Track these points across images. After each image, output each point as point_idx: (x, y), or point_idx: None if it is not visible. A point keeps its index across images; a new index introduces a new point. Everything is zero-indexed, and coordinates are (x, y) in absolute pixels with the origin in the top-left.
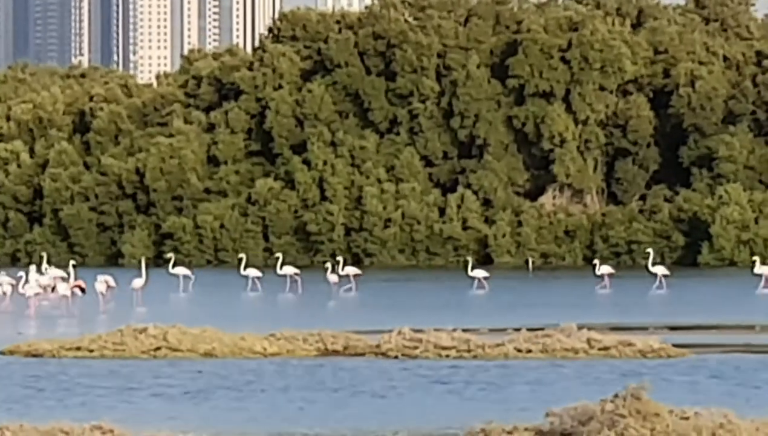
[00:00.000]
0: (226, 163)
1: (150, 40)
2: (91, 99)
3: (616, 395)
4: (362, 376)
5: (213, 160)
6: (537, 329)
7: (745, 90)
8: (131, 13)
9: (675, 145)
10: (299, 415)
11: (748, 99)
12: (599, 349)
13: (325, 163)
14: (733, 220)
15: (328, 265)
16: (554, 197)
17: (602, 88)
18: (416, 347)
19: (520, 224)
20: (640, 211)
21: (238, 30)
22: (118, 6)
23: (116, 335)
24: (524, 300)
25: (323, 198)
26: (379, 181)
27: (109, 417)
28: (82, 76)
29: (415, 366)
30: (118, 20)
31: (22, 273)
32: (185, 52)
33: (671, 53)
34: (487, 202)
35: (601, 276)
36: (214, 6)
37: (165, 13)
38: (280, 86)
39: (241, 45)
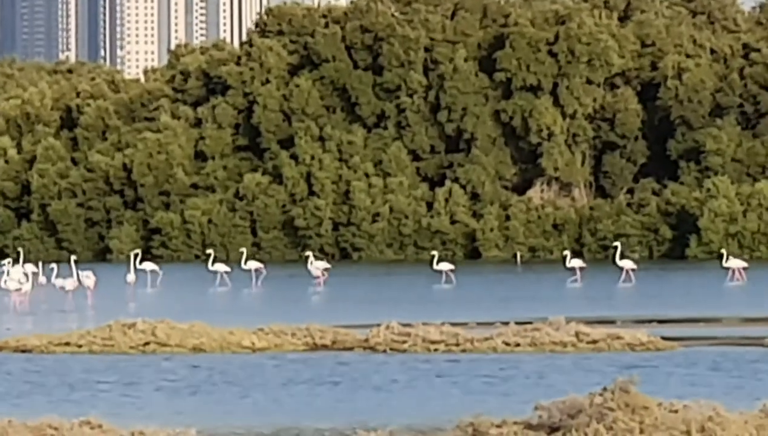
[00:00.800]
0: (213, 158)
1: (137, 36)
2: (78, 95)
3: (604, 389)
4: (360, 370)
5: (200, 156)
6: (526, 322)
7: (732, 83)
8: (118, 8)
9: (663, 139)
10: (303, 409)
11: (735, 92)
12: (588, 342)
13: (312, 157)
14: (721, 213)
15: (309, 254)
16: (542, 191)
17: (590, 82)
18: (405, 341)
19: (508, 217)
20: (628, 204)
21: (225, 25)
22: (104, 1)
23: (105, 330)
24: (513, 294)
25: (311, 193)
26: (367, 175)
27: (112, 412)
28: (69, 71)
29: (411, 359)
30: (104, 15)
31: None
32: (172, 47)
33: (658, 46)
34: (474, 196)
35: (573, 269)
36: (201, 1)
37: (152, 8)
38: (268, 81)
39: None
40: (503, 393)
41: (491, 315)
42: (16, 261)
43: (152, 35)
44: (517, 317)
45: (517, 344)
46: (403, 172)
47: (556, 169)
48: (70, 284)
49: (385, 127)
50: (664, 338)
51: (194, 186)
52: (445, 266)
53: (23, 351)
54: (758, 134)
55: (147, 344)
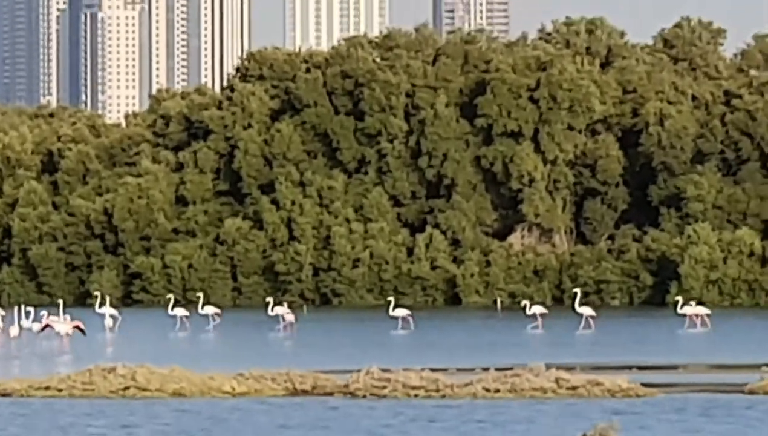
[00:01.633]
0: (194, 203)
1: (118, 80)
2: (59, 139)
3: (584, 435)
4: (350, 415)
5: (181, 200)
6: (505, 368)
7: (713, 129)
8: (99, 53)
9: (644, 185)
10: None
11: (716, 138)
12: (567, 388)
13: (293, 203)
14: (702, 259)
15: (270, 300)
16: (523, 237)
17: (571, 128)
18: (385, 387)
19: (488, 263)
20: (609, 250)
21: (206, 69)
22: (86, 46)
23: (85, 374)
24: (493, 339)
25: (291, 238)
26: (348, 221)
27: None
28: (51, 115)
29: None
30: (86, 60)
31: None
32: (153, 91)
33: (640, 93)
34: (455, 242)
35: (533, 316)
36: (183, 45)
37: (133, 52)
38: (249, 126)
39: (209, 84)
40: None
41: (471, 361)
42: None
43: (133, 80)
44: (497, 363)
45: (497, 390)
46: (384, 217)
47: (536, 215)
48: (64, 328)
49: (366, 173)
50: (645, 385)
51: (175, 231)
52: (401, 312)
53: (3, 395)
54: (739, 181)
55: (127, 388)
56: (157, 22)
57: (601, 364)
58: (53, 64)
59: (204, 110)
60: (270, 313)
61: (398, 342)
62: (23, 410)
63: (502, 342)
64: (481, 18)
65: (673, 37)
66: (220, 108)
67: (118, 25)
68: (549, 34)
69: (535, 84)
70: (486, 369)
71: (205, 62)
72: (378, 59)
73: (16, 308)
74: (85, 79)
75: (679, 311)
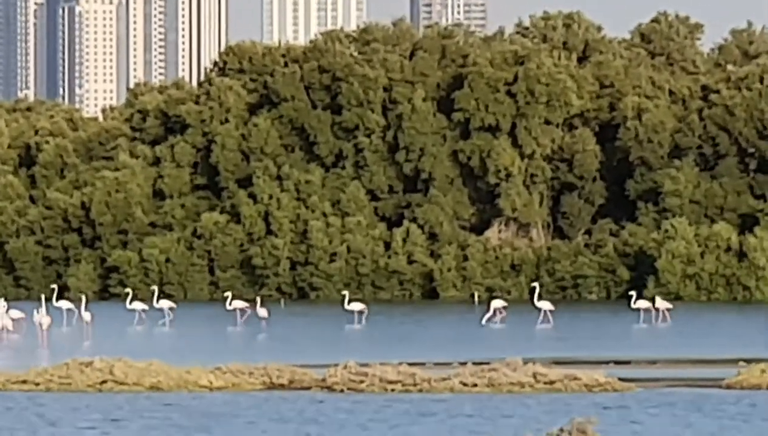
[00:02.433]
0: (171, 197)
1: (96, 74)
2: (36, 133)
3: (561, 430)
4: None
5: (159, 194)
6: (483, 362)
7: (691, 124)
8: (77, 46)
9: (621, 179)
10: None
11: (694, 133)
12: (545, 383)
13: (270, 197)
14: (679, 254)
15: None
16: (500, 231)
17: (548, 122)
18: (362, 381)
19: (465, 258)
20: (586, 245)
21: (183, 63)
22: (63, 40)
23: (62, 368)
24: (470, 333)
25: (269, 232)
26: (325, 215)
27: None
28: (28, 109)
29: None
30: (63, 54)
31: None
32: (131, 85)
33: (617, 87)
34: (432, 237)
35: (491, 310)
36: (160, 39)
37: (111, 46)
38: (227, 120)
39: (187, 78)
40: (457, 433)
41: (449, 355)
42: None
43: (111, 74)
44: (474, 357)
45: (475, 385)
46: (361, 211)
47: (514, 209)
48: (46, 321)
49: (343, 167)
50: (622, 380)
51: (152, 225)
52: (356, 306)
53: None
54: (716, 176)
55: (104, 382)
56: (135, 16)
57: (578, 358)
58: (30, 58)
59: (181, 105)
60: (228, 307)
61: (374, 336)
62: (8, 403)
63: (480, 336)
64: (458, 12)
65: (650, 32)
66: (197, 102)
67: (95, 19)
68: (526, 28)
69: (512, 78)
70: (463, 363)
71: (183, 56)
72: (355, 53)
73: None
74: (63, 73)
75: (632, 305)
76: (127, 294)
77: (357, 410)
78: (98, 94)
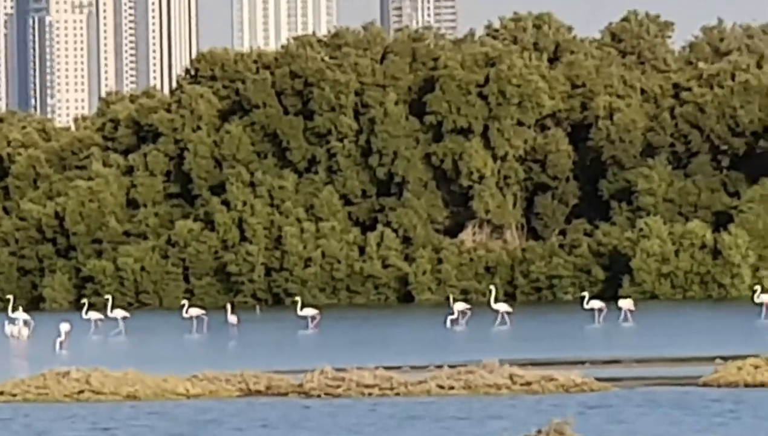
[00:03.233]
0: (145, 205)
1: (67, 84)
2: (8, 144)
3: (539, 431)
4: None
5: (132, 203)
6: (459, 365)
7: (663, 122)
8: (48, 57)
9: (594, 179)
10: None
11: (666, 131)
12: (522, 384)
13: (244, 203)
14: (654, 253)
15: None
16: (474, 234)
17: (520, 123)
18: (339, 386)
19: (440, 261)
20: (560, 245)
21: (155, 71)
22: (34, 50)
23: (39, 379)
24: (447, 336)
25: (243, 239)
26: (299, 220)
27: None
28: (0, 120)
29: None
30: (34, 64)
31: None
32: (103, 94)
33: (589, 87)
34: (406, 240)
35: (455, 313)
36: (131, 48)
37: (82, 56)
38: (199, 127)
39: (158, 86)
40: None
41: (425, 358)
42: None
43: (82, 83)
44: (451, 360)
45: (452, 387)
46: (335, 216)
47: (487, 211)
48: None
49: (316, 172)
50: (599, 379)
51: (126, 233)
52: (309, 312)
53: None
54: (690, 174)
55: (81, 392)
56: (105, 25)
57: (555, 359)
58: (1, 68)
59: (153, 113)
60: (184, 315)
61: (350, 340)
62: None
63: (456, 339)
64: (428, 15)
65: (620, 31)
66: (169, 110)
67: (65, 28)
68: (497, 30)
69: (483, 80)
70: (440, 366)
71: (154, 65)
72: (326, 58)
73: None
74: (34, 84)
75: (585, 306)
76: (83, 305)
77: (342, 414)
78: (70, 104)
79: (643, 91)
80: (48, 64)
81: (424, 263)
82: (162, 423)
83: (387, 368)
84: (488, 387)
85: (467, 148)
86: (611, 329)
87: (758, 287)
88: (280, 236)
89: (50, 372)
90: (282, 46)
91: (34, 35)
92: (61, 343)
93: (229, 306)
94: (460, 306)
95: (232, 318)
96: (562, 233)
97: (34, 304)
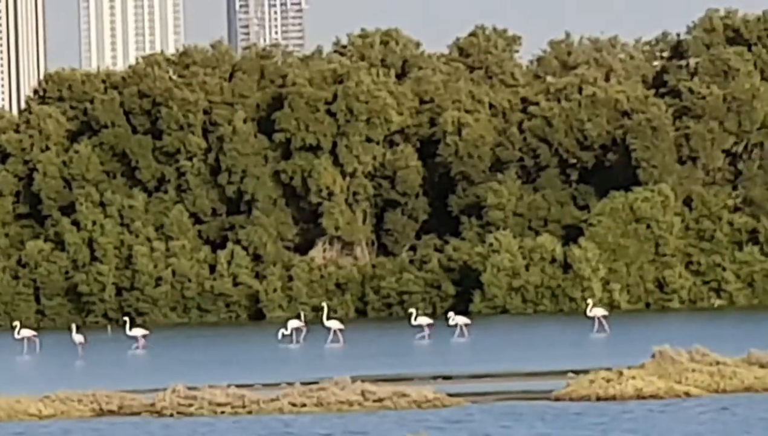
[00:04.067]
0: None
1: None
2: None
3: None
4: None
5: None
6: (311, 382)
7: (511, 137)
8: None
9: (444, 194)
10: None
11: (514, 146)
12: (374, 401)
13: (94, 223)
14: (504, 267)
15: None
16: (324, 250)
17: (369, 140)
18: (191, 405)
19: (290, 278)
20: (411, 261)
21: (3, 92)
22: None
23: None
24: (298, 354)
25: (93, 258)
26: (149, 239)
27: None
28: None
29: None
30: None
31: None
32: None
33: (437, 102)
34: (257, 258)
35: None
36: None
37: None
38: (47, 148)
39: (6, 107)
40: None
41: (278, 376)
42: None
43: None
44: (302, 377)
45: (304, 405)
46: (185, 235)
47: (337, 228)
48: None
49: (166, 191)
50: (451, 395)
51: None
52: (138, 332)
53: None
54: (539, 188)
55: None
56: None
57: (405, 375)
58: None
59: (1, 134)
60: (16, 336)
61: (202, 359)
62: None
63: (306, 356)
64: (276, 32)
65: (468, 46)
66: (17, 131)
67: None
68: (344, 46)
69: (332, 97)
70: (291, 384)
71: (2, 85)
72: (175, 77)
73: None
74: None
75: (413, 322)
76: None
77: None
78: None
79: (491, 106)
80: None
81: (274, 280)
82: None
83: (239, 386)
84: (341, 404)
85: (316, 165)
86: (447, 345)
87: (590, 301)
88: (130, 256)
89: None
90: (129, 66)
91: None
92: None
93: (74, 326)
94: (293, 324)
95: (78, 337)
96: (413, 248)
97: None
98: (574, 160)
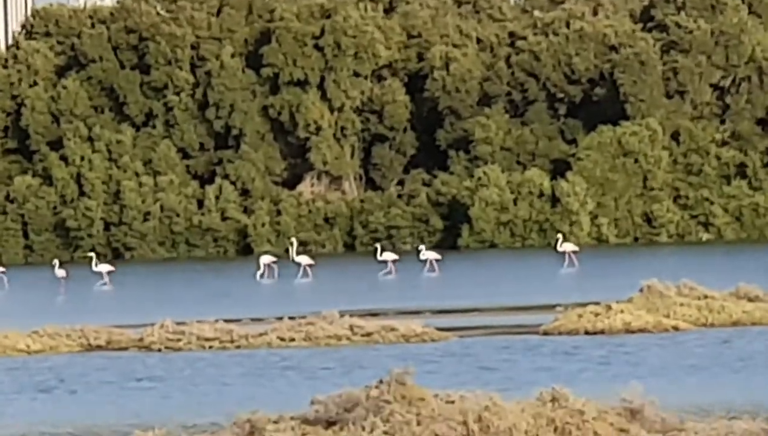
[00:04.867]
0: None
1: None
2: None
3: (380, 381)
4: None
5: None
6: (299, 317)
7: (499, 71)
8: None
9: (432, 129)
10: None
11: (502, 80)
12: (362, 335)
13: (82, 158)
14: (492, 202)
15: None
16: (312, 185)
17: (357, 75)
18: (179, 339)
19: (279, 213)
20: (399, 196)
21: None
22: None
23: None
24: (287, 288)
25: (81, 193)
26: (137, 174)
27: None
28: None
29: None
30: None
31: None
32: None
33: (425, 37)
34: (245, 193)
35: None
36: None
37: None
38: (35, 83)
39: None
40: (276, 387)
41: (266, 311)
42: None
43: None
44: (292, 311)
45: (292, 339)
46: (173, 170)
47: (325, 163)
48: None
49: (154, 126)
50: (439, 329)
51: None
52: (104, 268)
53: None
54: (527, 122)
55: None
56: None
57: (392, 309)
58: None
59: None
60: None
61: (189, 295)
62: None
63: (296, 291)
64: None
65: None
66: (5, 66)
67: None
68: None
69: (319, 32)
70: (279, 318)
71: None
72: (162, 12)
73: None
74: None
75: (379, 257)
76: None
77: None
78: None
79: (479, 41)
80: None
81: (262, 215)
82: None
83: (226, 321)
84: (329, 338)
85: (304, 100)
86: (417, 280)
87: (560, 236)
88: (118, 191)
89: None
90: (117, 1)
91: None
92: None
93: (56, 261)
94: (265, 259)
95: (60, 272)
96: (401, 183)
97: None
98: (561, 95)
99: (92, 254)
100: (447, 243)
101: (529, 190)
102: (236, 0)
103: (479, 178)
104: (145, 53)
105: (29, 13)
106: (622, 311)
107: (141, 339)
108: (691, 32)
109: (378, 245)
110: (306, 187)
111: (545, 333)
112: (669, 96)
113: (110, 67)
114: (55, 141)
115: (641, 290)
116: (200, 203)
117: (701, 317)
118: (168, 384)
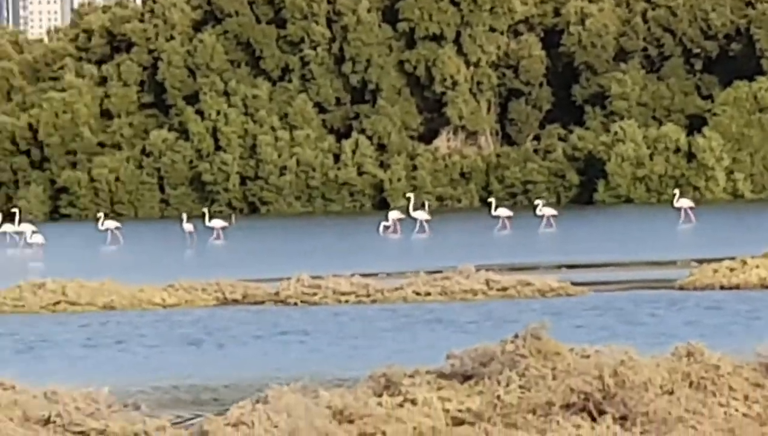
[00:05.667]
0: (119, 116)
1: None
2: None
3: (516, 335)
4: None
5: (106, 114)
6: (435, 271)
7: (635, 27)
8: None
9: (567, 85)
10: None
11: (638, 36)
12: (498, 290)
13: (218, 112)
14: (628, 157)
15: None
16: (448, 140)
17: (493, 30)
18: (315, 294)
19: (415, 167)
20: (535, 151)
21: None
22: None
23: (15, 290)
24: (422, 243)
25: (217, 148)
26: (273, 129)
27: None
28: None
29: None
30: None
31: None
32: (75, 5)
33: None
34: (381, 147)
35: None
36: None
37: None
38: (172, 37)
39: None
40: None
41: (403, 265)
42: None
43: None
44: (426, 266)
45: (428, 294)
46: (309, 124)
47: (461, 117)
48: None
49: (290, 81)
50: (575, 284)
51: (101, 144)
52: (217, 223)
53: None
54: (663, 77)
55: (58, 303)
56: None
57: (529, 264)
58: None
59: (126, 23)
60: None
61: (327, 248)
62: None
63: (433, 246)
64: None
65: None
66: (142, 20)
67: None
68: None
69: None
70: (416, 273)
71: None
72: None
73: None
74: None
75: (493, 213)
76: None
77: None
78: (43, 15)
79: None
80: None
81: (398, 169)
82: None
83: (363, 275)
84: (464, 293)
85: (440, 54)
86: (564, 235)
87: (677, 191)
88: (254, 145)
89: (25, 284)
90: None
91: None
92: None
93: (185, 215)
94: (394, 215)
95: (188, 226)
96: (536, 138)
97: (9, 216)
98: (698, 50)
99: (204, 211)
100: (583, 198)
101: (665, 146)
102: None
103: (615, 134)
104: (281, 7)
105: None
106: (757, 266)
107: (277, 293)
108: None
109: (492, 200)
110: (442, 142)
111: (681, 288)
112: None
113: (246, 22)
114: (191, 95)
115: None
116: (336, 158)
117: None
118: (314, 338)
